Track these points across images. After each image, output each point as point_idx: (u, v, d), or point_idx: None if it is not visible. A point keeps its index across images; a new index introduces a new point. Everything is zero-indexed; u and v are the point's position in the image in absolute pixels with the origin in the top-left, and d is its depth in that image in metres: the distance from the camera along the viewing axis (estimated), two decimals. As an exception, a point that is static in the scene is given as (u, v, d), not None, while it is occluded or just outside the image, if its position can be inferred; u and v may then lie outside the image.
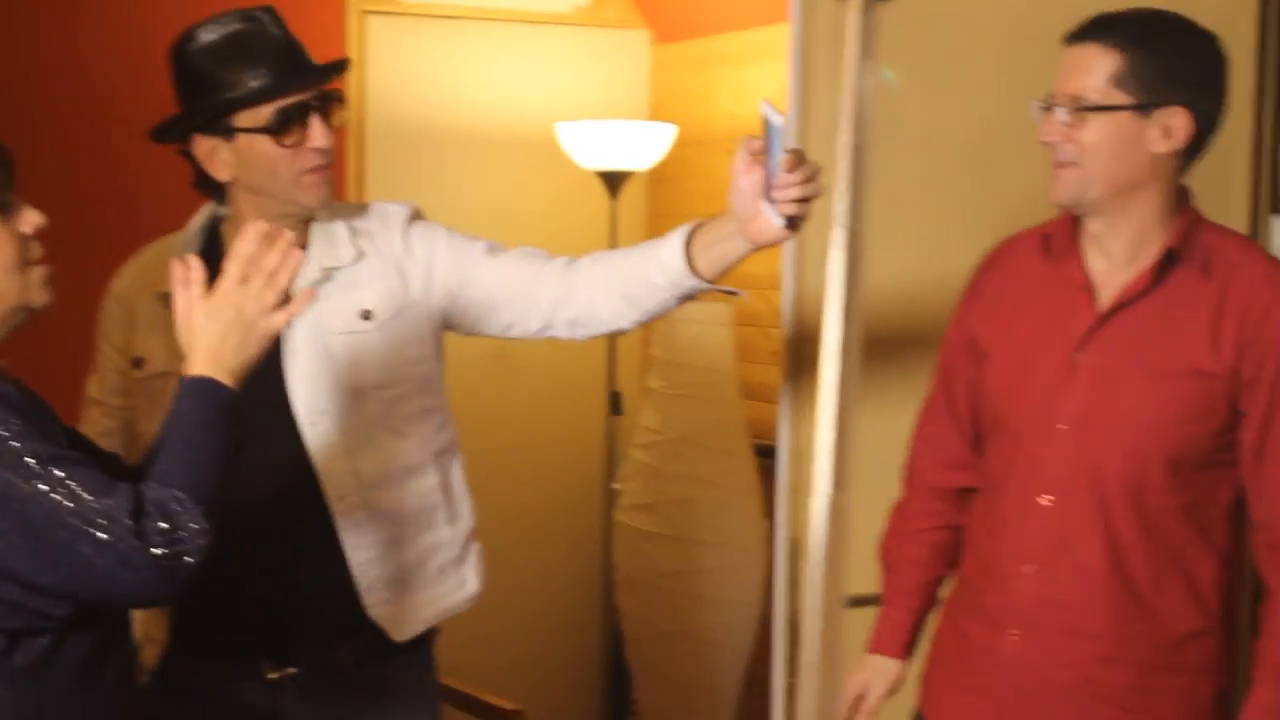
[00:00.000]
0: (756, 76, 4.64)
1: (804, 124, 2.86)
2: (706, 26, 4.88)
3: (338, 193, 4.63)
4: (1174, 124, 2.22)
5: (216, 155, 2.34)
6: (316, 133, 2.33)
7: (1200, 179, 3.33)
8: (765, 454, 4.09)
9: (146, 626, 2.44)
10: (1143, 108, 2.20)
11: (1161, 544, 2.26)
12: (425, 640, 2.50)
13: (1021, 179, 3.13)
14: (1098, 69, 2.21)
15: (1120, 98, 2.20)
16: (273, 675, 2.38)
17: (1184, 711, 2.30)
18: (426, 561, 2.45)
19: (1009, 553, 2.32)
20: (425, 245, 2.44)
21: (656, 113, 5.03)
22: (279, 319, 1.94)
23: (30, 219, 1.86)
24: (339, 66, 2.42)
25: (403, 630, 2.42)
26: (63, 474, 1.75)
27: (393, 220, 2.46)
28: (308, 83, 2.34)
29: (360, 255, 2.41)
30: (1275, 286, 2.25)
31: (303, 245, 2.40)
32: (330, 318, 2.36)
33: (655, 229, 5.08)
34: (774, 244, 2.18)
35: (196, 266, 1.95)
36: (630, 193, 4.73)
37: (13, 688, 1.81)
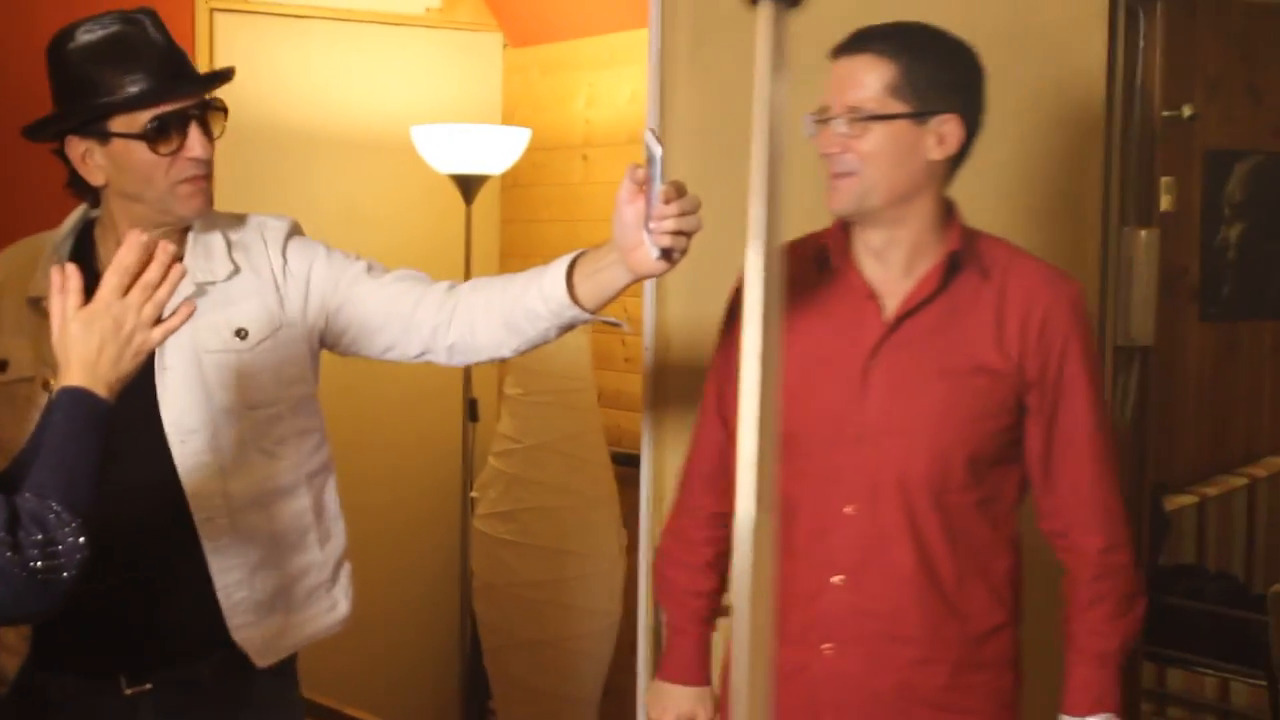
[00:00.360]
0: (611, 81, 4.63)
1: (665, 129, 2.86)
2: (560, 31, 4.86)
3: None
4: (947, 131, 2.27)
5: (90, 158, 2.26)
6: (194, 142, 2.25)
7: (1054, 194, 3.40)
8: (622, 461, 4.09)
9: (4, 636, 2.37)
10: (919, 116, 2.25)
11: (963, 542, 2.31)
12: (288, 658, 2.44)
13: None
14: (873, 79, 2.25)
15: (897, 106, 2.24)
16: (129, 690, 2.32)
17: (992, 706, 2.36)
18: (295, 584, 2.39)
19: (814, 567, 2.32)
20: (303, 263, 2.38)
21: (509, 117, 5.01)
22: (156, 334, 1.89)
23: None
24: (222, 76, 2.34)
25: (267, 655, 2.35)
26: None
27: (271, 235, 2.40)
28: (187, 91, 2.26)
29: (236, 270, 2.34)
30: (1050, 285, 2.33)
31: (179, 257, 2.34)
32: (204, 335, 2.29)
33: (508, 234, 5.06)
34: (653, 275, 2.14)
35: (74, 275, 1.89)
36: (485, 197, 4.70)
37: None
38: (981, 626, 2.32)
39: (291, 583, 2.38)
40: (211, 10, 4.55)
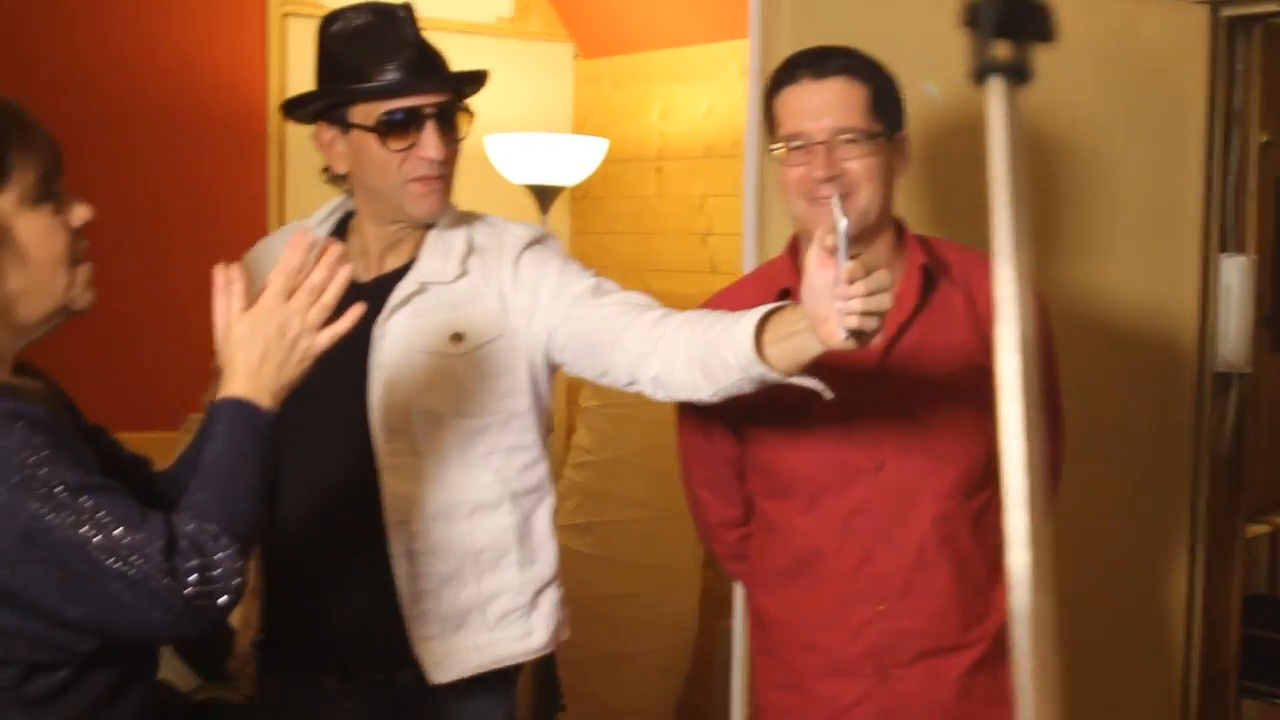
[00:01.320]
0: (687, 95, 4.61)
1: (764, 146, 2.84)
2: (633, 43, 4.84)
3: (259, 193, 4.48)
4: (906, 147, 2.33)
5: (335, 146, 2.27)
6: (428, 141, 2.22)
7: (1154, 219, 3.38)
8: (700, 476, 4.06)
9: (244, 613, 2.39)
10: (890, 134, 2.29)
11: (985, 539, 2.33)
12: (502, 675, 2.36)
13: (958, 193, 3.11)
14: (855, 100, 2.26)
15: (878, 126, 2.26)
16: (333, 688, 2.30)
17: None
18: (487, 605, 2.31)
19: (856, 600, 2.32)
20: (535, 274, 2.31)
21: (580, 127, 4.99)
22: (323, 339, 1.83)
23: (80, 213, 1.75)
24: (470, 78, 2.31)
25: (442, 672, 2.28)
26: (92, 504, 1.63)
27: (509, 241, 2.34)
28: (423, 88, 2.22)
29: (463, 274, 2.29)
30: None
31: (413, 256, 2.31)
32: (420, 335, 2.25)
33: (578, 246, 5.03)
34: (843, 350, 1.87)
35: (237, 275, 1.84)
36: (557, 208, 4.67)
37: (26, 715, 1.70)
38: (1004, 616, 2.34)
39: (483, 602, 2.31)
40: (284, 15, 4.52)
